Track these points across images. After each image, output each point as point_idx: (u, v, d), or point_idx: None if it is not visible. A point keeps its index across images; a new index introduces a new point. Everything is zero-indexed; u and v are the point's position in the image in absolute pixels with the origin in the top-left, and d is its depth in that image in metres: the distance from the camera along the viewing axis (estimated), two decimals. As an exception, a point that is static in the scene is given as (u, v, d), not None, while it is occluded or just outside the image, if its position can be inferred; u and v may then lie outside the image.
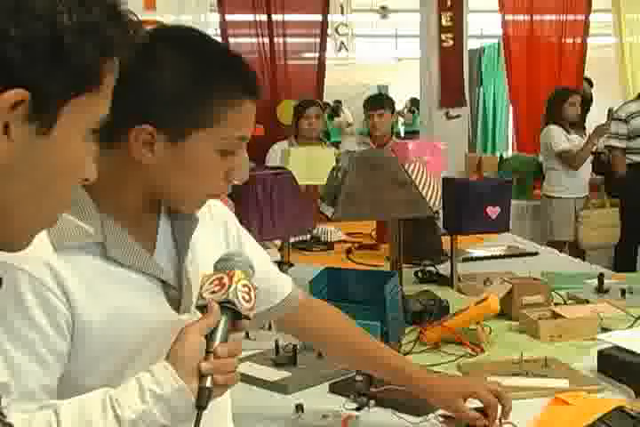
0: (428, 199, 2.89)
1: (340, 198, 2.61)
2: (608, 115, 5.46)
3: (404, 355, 2.12)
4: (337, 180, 2.71)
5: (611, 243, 5.62)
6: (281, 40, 6.91)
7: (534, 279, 2.69)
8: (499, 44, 9.62)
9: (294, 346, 2.09)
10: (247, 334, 2.31)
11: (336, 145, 6.77)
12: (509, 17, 7.29)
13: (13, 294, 1.11)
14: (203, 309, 1.19)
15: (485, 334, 2.29)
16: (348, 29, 8.23)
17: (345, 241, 3.89)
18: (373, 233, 3.86)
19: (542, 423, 1.77)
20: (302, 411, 1.77)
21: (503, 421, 1.59)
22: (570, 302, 2.70)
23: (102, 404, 1.10)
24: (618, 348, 2.07)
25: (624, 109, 5.60)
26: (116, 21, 0.73)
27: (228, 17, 6.80)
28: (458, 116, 6.60)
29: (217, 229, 1.42)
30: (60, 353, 1.15)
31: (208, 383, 1.13)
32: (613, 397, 1.89)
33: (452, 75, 6.53)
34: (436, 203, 3.13)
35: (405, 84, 13.43)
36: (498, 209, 2.92)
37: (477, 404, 1.60)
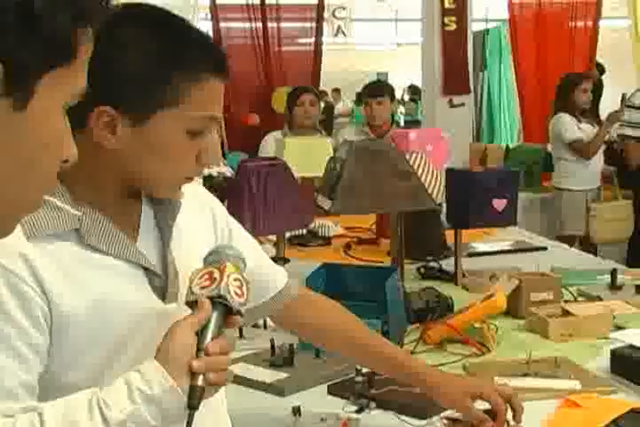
0: (430, 191, 2.89)
1: (338, 191, 2.61)
2: (621, 102, 5.46)
3: (407, 355, 2.12)
4: (335, 171, 2.71)
5: (624, 237, 5.61)
6: (275, 24, 6.89)
7: (543, 275, 2.69)
8: (501, 26, 9.60)
9: (290, 345, 2.09)
10: (241, 333, 2.31)
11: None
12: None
13: None
14: (193, 304, 1.19)
15: (492, 332, 2.29)
16: (346, 12, 8.20)
17: (343, 236, 3.89)
18: (373, 227, 3.86)
19: (553, 426, 1.77)
20: (299, 414, 1.77)
21: (512, 424, 1.59)
22: (581, 299, 2.69)
23: (89, 404, 1.10)
24: (632, 347, 2.06)
25: (638, 96, 5.60)
26: None
27: (219, 0, 6.78)
28: (462, 105, 6.58)
29: (204, 216, 1.43)
30: (39, 347, 1.15)
31: (200, 382, 1.12)
32: (628, 398, 1.89)
33: (456, 61, 6.50)
34: (439, 195, 3.12)
35: (405, 71, 13.42)
36: (504, 202, 2.91)
37: (485, 406, 1.60)
